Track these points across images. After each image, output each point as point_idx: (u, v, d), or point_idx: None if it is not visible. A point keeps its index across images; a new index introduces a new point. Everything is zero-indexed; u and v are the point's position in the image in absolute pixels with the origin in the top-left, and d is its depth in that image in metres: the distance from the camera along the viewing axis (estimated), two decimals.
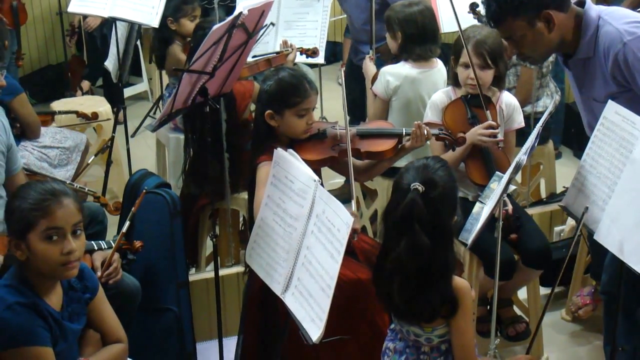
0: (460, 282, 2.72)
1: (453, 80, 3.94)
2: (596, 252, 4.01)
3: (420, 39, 4.30)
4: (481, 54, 3.75)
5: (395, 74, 4.33)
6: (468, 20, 4.65)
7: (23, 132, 4.62)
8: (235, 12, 3.30)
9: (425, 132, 3.46)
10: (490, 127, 3.71)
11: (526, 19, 3.14)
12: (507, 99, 3.93)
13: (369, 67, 4.65)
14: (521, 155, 3.01)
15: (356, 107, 5.11)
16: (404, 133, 3.51)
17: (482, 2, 4.13)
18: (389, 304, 2.74)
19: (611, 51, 3.11)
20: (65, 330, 2.80)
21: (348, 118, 3.47)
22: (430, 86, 4.31)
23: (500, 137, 3.76)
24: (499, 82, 3.89)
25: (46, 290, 2.78)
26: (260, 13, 3.42)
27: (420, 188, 2.59)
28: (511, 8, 3.13)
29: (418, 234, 2.58)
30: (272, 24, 4.84)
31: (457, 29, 4.07)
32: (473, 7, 4.83)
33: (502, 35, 3.34)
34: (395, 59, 4.48)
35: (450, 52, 3.99)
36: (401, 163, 3.79)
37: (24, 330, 2.67)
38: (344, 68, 4.53)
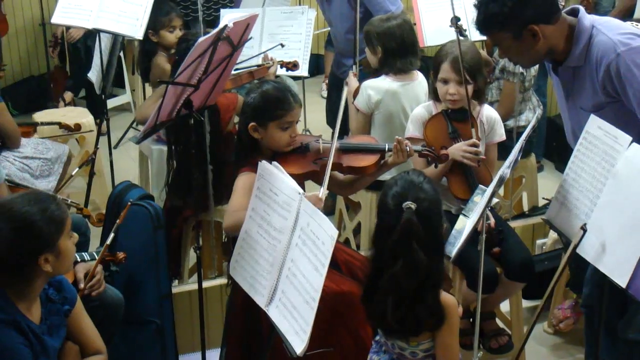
0: (448, 297, 2.73)
1: (434, 94, 3.95)
2: (575, 266, 4.03)
3: (400, 52, 4.32)
4: (458, 69, 3.76)
5: (376, 88, 4.34)
6: (450, 34, 4.68)
7: (3, 142, 4.60)
8: (220, 25, 3.31)
9: (408, 148, 3.47)
10: (474, 145, 3.72)
11: (511, 32, 3.17)
12: (488, 113, 3.94)
13: (351, 81, 4.67)
14: (505, 169, 3.02)
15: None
16: (386, 149, 3.52)
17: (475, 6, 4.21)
18: (381, 321, 2.74)
19: (604, 61, 3.12)
20: (46, 346, 2.79)
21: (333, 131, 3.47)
22: (412, 99, 4.32)
23: (481, 151, 3.78)
24: (478, 96, 3.90)
25: (26, 305, 2.78)
26: (245, 26, 3.43)
27: (413, 206, 2.61)
28: (496, 22, 3.16)
29: (415, 252, 2.60)
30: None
31: (439, 42, 4.11)
32: (455, 21, 4.85)
33: (491, 43, 3.37)
34: (376, 73, 4.50)
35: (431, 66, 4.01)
36: (386, 177, 3.82)
37: (6, 348, 2.67)
38: (327, 81, 4.55)
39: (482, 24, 3.24)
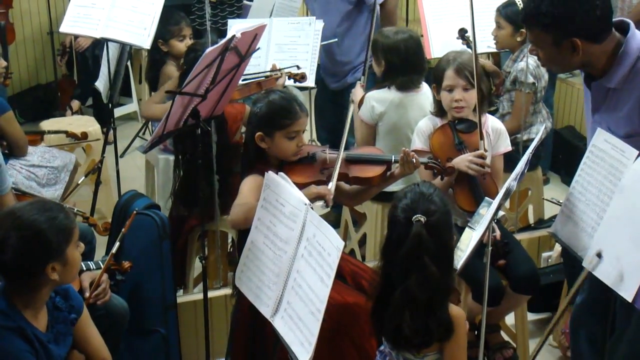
0: (456, 310, 2.72)
1: (437, 110, 3.94)
2: (574, 278, 4.00)
3: (402, 69, 4.30)
4: (464, 74, 3.76)
5: (380, 100, 4.33)
6: (457, 46, 4.69)
7: (10, 150, 4.61)
8: (228, 35, 3.31)
9: (414, 160, 3.47)
10: (481, 156, 3.72)
11: (552, 37, 3.04)
12: (493, 124, 3.94)
13: (357, 91, 4.67)
14: (511, 182, 3.01)
15: (333, 132, 5.09)
16: (392, 160, 3.52)
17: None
18: (395, 335, 2.72)
19: None
20: (52, 354, 2.80)
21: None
22: (416, 110, 4.30)
23: (487, 162, 3.77)
24: (482, 104, 3.88)
25: (32, 312, 2.78)
26: (253, 36, 3.44)
27: (423, 219, 2.60)
28: (541, 22, 3.03)
29: (428, 265, 2.59)
30: None
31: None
32: (462, 33, 4.86)
33: (528, 38, 3.27)
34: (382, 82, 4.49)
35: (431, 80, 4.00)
36: (392, 188, 3.82)
37: (10, 356, 2.66)
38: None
39: (527, 17, 3.12)
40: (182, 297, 4.21)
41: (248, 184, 3.26)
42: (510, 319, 4.10)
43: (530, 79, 4.71)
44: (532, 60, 4.70)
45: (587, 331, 3.35)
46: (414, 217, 2.62)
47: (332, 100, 5.18)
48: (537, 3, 3.04)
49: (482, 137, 3.76)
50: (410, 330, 2.65)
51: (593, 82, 3.18)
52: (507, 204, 4.97)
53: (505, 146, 3.95)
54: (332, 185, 3.29)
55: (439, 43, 4.94)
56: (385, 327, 2.75)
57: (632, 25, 3.10)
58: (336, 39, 5.38)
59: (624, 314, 3.10)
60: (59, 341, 2.87)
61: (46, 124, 5.67)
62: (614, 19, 3.12)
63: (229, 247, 4.73)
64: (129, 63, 6.87)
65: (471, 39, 4.80)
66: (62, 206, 2.93)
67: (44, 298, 2.82)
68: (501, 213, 3.46)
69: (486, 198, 3.27)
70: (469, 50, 4.47)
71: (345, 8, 5.24)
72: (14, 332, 2.70)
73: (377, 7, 4.95)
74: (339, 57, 5.40)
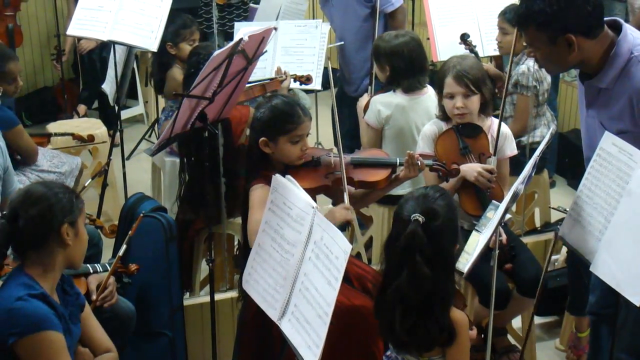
0: (459, 314, 2.71)
1: (442, 114, 3.94)
2: (574, 287, 3.98)
3: (408, 72, 4.31)
4: (463, 81, 3.76)
5: (386, 103, 4.34)
6: (460, 51, 4.69)
7: (20, 158, 4.62)
8: (236, 39, 3.32)
9: (419, 162, 3.47)
10: (491, 171, 3.72)
11: (547, 35, 3.05)
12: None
13: (363, 98, 4.67)
14: (518, 185, 3.01)
15: (349, 138, 5.11)
16: (397, 163, 3.52)
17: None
18: (390, 333, 2.74)
19: None
20: (70, 328, 2.86)
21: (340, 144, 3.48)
22: (422, 113, 4.32)
23: (495, 179, 3.76)
24: (484, 108, 3.88)
25: (48, 288, 2.83)
26: (260, 40, 3.44)
27: (421, 219, 2.60)
28: (536, 20, 3.05)
29: (419, 265, 2.58)
30: None
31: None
32: (464, 38, 4.87)
33: (524, 40, 3.29)
34: (387, 87, 4.50)
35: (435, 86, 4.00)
36: (398, 191, 3.82)
37: (40, 315, 2.72)
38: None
39: (520, 18, 3.14)
40: (188, 300, 4.21)
41: (258, 196, 3.24)
42: (517, 323, 4.09)
43: (532, 82, 4.71)
44: (533, 63, 4.70)
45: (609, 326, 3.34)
46: (412, 216, 2.62)
47: (349, 107, 5.20)
48: (530, 3, 3.07)
49: (495, 153, 3.75)
50: (401, 329, 2.65)
51: (586, 81, 3.21)
52: (513, 207, 4.97)
53: (511, 149, 3.95)
54: (347, 200, 3.29)
55: (445, 46, 4.94)
56: (380, 325, 2.75)
57: (624, 25, 3.13)
58: (342, 42, 5.39)
59: None
60: (74, 321, 2.93)
61: (53, 127, 5.68)
62: (619, 20, 3.15)
63: (235, 250, 4.72)
64: (135, 66, 6.88)
65: (473, 43, 4.85)
66: (69, 188, 3.05)
67: (57, 270, 2.86)
68: (507, 216, 3.46)
69: (493, 201, 3.27)
70: (472, 55, 4.48)
71: (363, 12, 5.25)
72: (38, 298, 2.76)
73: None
74: (355, 60, 5.41)
